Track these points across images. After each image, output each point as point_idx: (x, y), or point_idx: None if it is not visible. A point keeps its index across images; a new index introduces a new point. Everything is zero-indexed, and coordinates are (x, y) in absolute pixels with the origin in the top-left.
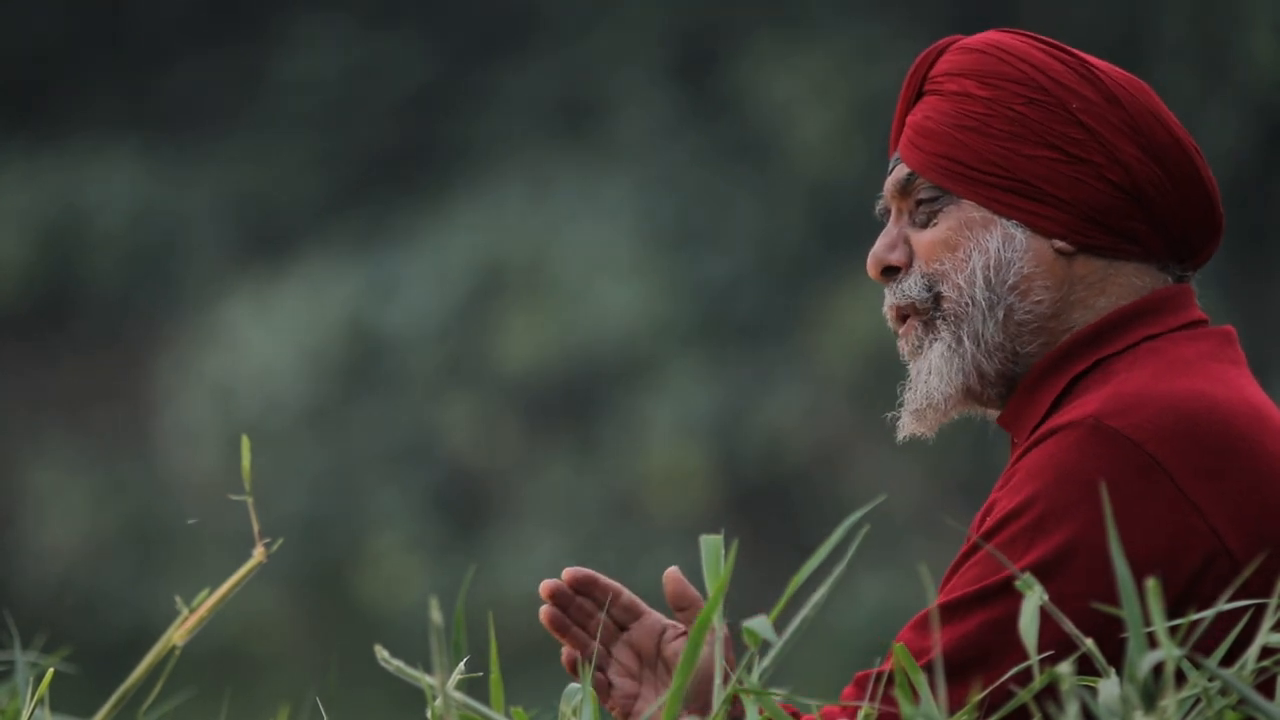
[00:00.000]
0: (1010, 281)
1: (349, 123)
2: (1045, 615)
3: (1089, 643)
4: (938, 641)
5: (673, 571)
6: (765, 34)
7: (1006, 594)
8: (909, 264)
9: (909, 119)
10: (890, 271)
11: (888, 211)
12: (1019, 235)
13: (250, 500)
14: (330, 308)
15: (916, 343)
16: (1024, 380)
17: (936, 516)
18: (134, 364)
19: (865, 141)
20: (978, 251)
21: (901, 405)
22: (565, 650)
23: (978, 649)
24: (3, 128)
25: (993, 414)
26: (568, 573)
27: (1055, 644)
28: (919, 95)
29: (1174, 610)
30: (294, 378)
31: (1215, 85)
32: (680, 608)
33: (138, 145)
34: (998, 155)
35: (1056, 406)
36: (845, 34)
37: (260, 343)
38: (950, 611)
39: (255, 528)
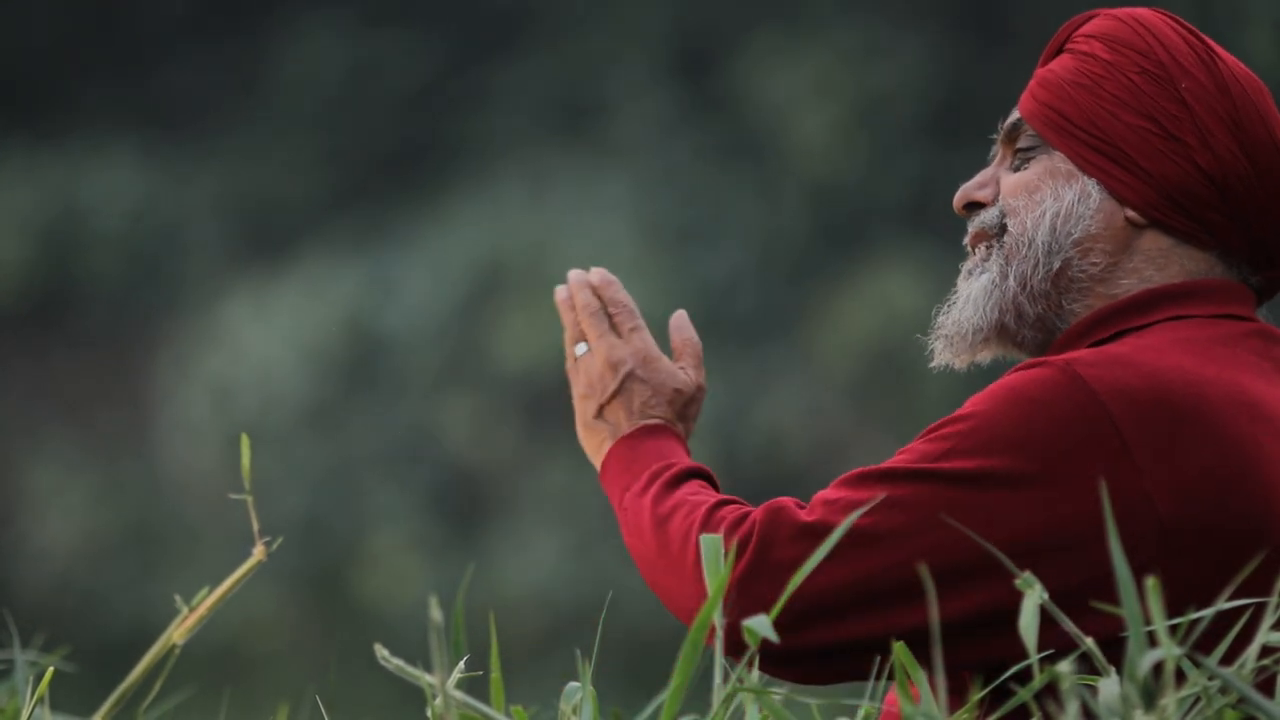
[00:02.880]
0: (1075, 236)
1: (348, 122)
2: (950, 532)
3: (1089, 642)
4: (846, 502)
5: (680, 315)
6: (764, 33)
7: (919, 480)
8: (992, 201)
9: (1039, 71)
10: (972, 207)
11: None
12: (1095, 195)
13: (250, 499)
14: (329, 306)
15: (971, 269)
16: (1058, 340)
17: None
18: (133, 363)
19: (865, 140)
20: (1052, 198)
21: (936, 329)
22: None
23: (883, 524)
24: (2, 127)
25: (1019, 356)
26: (597, 272)
27: (979, 557)
28: (1058, 51)
29: (1100, 569)
30: (293, 377)
31: None
32: (677, 346)
33: (137, 144)
34: (1099, 116)
35: None
36: (844, 33)
37: (259, 342)
38: (863, 480)
39: (255, 527)
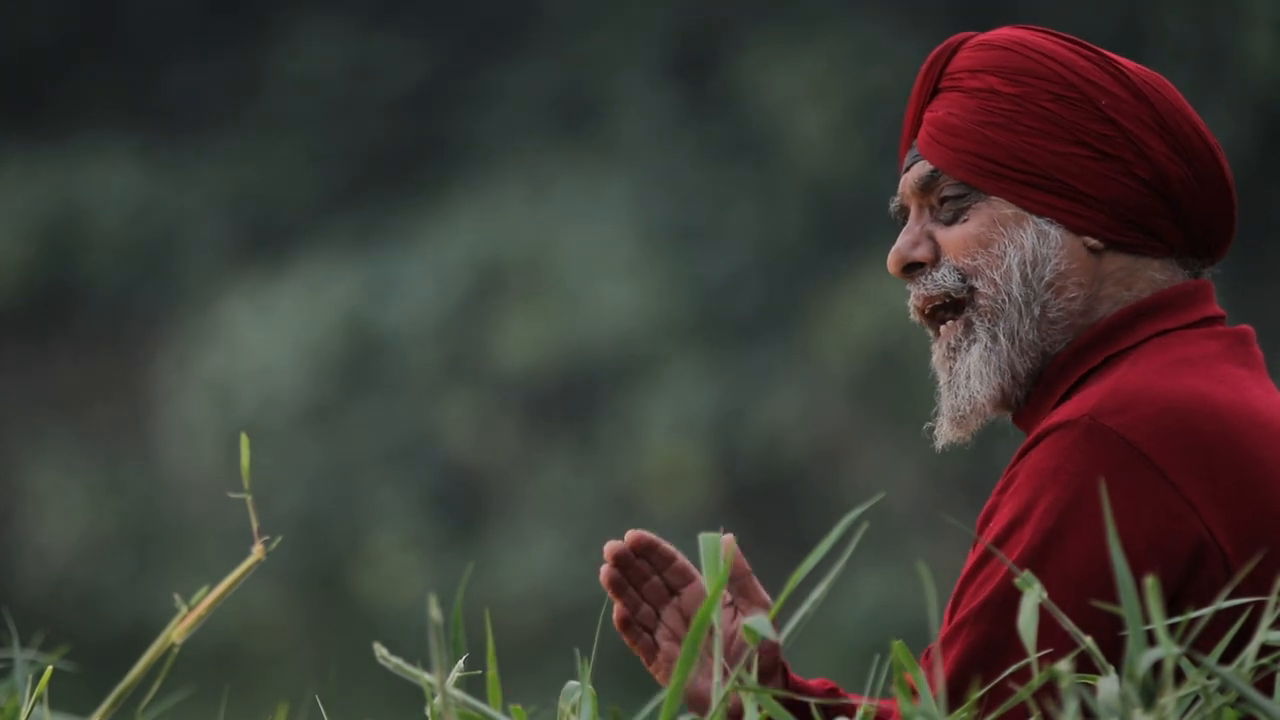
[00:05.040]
0: (1046, 279)
1: (348, 122)
2: (1045, 616)
3: (1088, 640)
4: (951, 656)
5: (729, 539)
6: (764, 33)
7: (1008, 605)
8: (935, 260)
9: (927, 116)
10: (913, 268)
11: (904, 210)
12: (1052, 232)
13: (249, 498)
14: (329, 306)
15: (954, 344)
16: (1042, 378)
17: (935, 514)
18: (133, 362)
19: (864, 140)
20: (1013, 247)
21: (937, 413)
22: (617, 608)
23: (984, 662)
24: (2, 127)
25: (1008, 415)
26: (631, 535)
27: (1056, 642)
28: (935, 91)
29: (1168, 609)
30: (293, 376)
31: (1215, 84)
32: (732, 578)
33: (137, 144)
34: (1028, 152)
35: (1064, 402)
36: (844, 33)
37: (259, 341)
38: (962, 627)
39: (254, 525)
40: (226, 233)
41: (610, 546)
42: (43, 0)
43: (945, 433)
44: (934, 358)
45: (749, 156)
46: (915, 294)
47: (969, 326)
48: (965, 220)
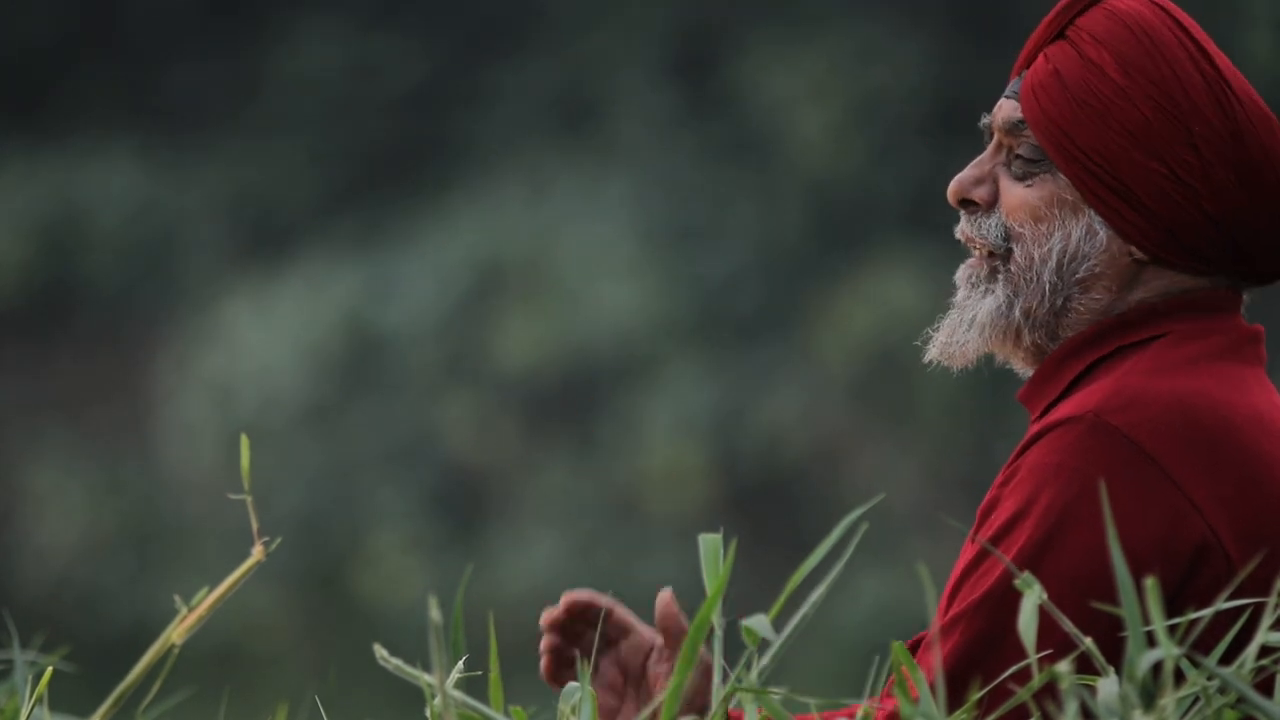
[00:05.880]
0: (1079, 275)
1: (348, 122)
2: (1044, 613)
3: (1088, 641)
4: (947, 650)
5: (666, 595)
6: (764, 33)
7: (1007, 600)
8: (991, 206)
9: (1040, 60)
10: (968, 204)
11: (988, 131)
12: (1101, 233)
13: (249, 499)
14: (329, 306)
15: (975, 281)
16: (1050, 357)
17: (936, 515)
18: (133, 362)
19: (864, 140)
20: (1060, 233)
21: (937, 328)
22: (545, 660)
23: (980, 657)
24: (2, 127)
25: (1013, 357)
26: (566, 600)
27: (1055, 641)
28: (1059, 35)
29: (1169, 609)
30: (293, 376)
31: None
32: (666, 629)
33: (137, 144)
34: (1109, 150)
35: (1072, 389)
36: (844, 33)
37: (259, 341)
38: (958, 620)
39: (254, 526)
40: (226, 233)
41: (548, 617)
42: (43, 0)
43: (934, 351)
44: (959, 273)
45: (749, 156)
46: (962, 228)
47: (993, 275)
48: (1030, 185)
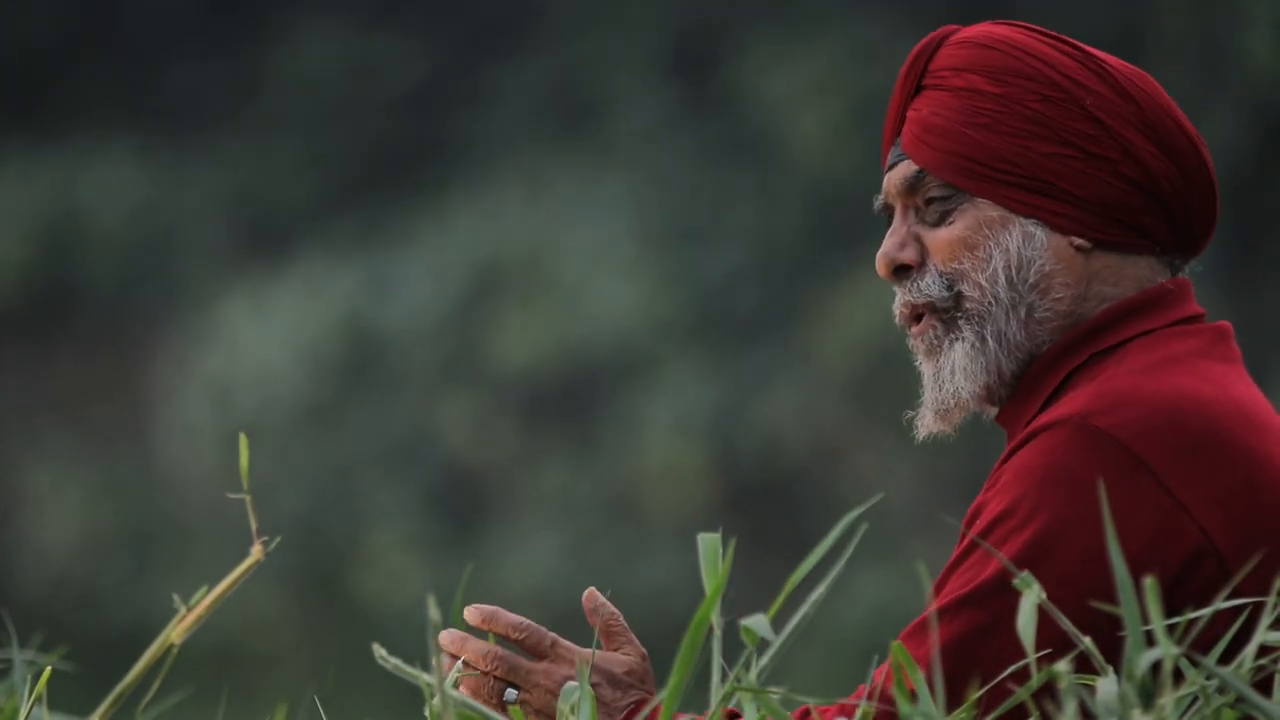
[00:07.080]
0: (1031, 280)
1: (348, 122)
2: (1040, 613)
3: (1087, 641)
4: (936, 643)
5: (589, 592)
6: (764, 33)
7: (997, 595)
8: (921, 262)
9: (910, 114)
10: (901, 270)
11: (888, 209)
12: (1038, 233)
13: (248, 498)
14: (328, 306)
15: (934, 341)
16: (1026, 375)
17: (934, 515)
18: (132, 362)
19: (864, 140)
20: (999, 250)
21: (921, 404)
22: (468, 681)
23: (971, 650)
24: (2, 127)
25: (992, 411)
26: (470, 613)
27: (1049, 641)
28: (918, 89)
29: (1163, 610)
30: (292, 376)
31: (1214, 84)
32: (605, 630)
33: (137, 144)
34: (1013, 153)
35: (1051, 401)
36: (844, 33)
37: (258, 341)
38: (944, 614)
39: (253, 525)
40: (226, 233)
41: (444, 636)
42: (43, 0)
43: (928, 424)
44: (913, 346)
45: (748, 156)
46: (901, 299)
47: (951, 324)
48: (951, 223)
